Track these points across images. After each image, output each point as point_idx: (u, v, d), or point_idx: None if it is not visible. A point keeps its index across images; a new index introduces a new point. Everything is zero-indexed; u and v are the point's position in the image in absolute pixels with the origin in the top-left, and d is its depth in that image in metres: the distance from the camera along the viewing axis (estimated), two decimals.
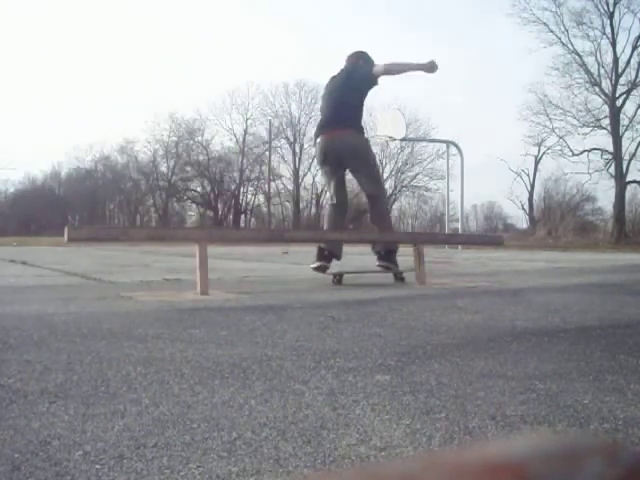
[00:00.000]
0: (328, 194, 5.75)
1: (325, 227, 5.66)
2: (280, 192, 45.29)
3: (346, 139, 5.37)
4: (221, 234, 5.65)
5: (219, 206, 46.74)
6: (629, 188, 28.98)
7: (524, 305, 3.79)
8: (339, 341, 2.53)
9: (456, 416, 1.54)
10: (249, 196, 47.07)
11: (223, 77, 69.42)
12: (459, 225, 19.71)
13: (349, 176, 5.77)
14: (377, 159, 5.29)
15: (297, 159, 44.25)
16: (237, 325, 2.90)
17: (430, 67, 5.47)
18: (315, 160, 5.65)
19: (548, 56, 31.29)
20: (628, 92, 27.94)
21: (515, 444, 0.25)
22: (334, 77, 5.66)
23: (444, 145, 20.91)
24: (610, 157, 28.35)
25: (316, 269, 5.44)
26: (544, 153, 34.20)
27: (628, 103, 28.32)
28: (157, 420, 1.48)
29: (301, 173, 44.58)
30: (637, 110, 28.32)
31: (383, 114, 19.33)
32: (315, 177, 44.85)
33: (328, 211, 5.77)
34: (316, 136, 5.58)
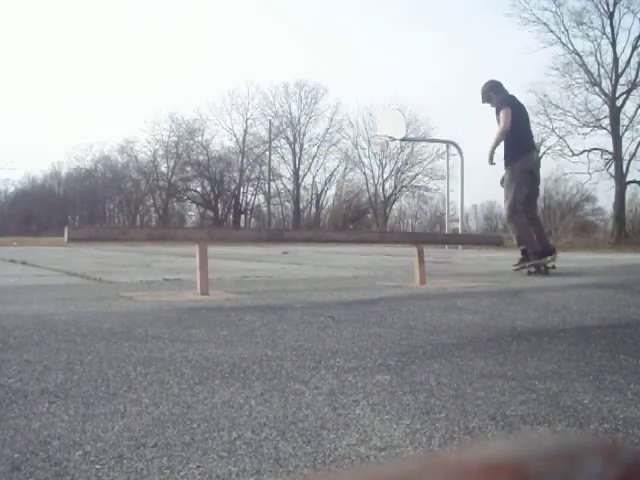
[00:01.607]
0: (516, 201, 6.30)
1: (525, 235, 6.30)
2: (280, 192, 45.31)
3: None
4: (221, 234, 5.66)
5: (219, 206, 46.73)
6: (629, 188, 28.98)
7: (524, 305, 3.79)
8: (339, 341, 2.53)
9: (456, 416, 1.54)
10: (249, 196, 47.09)
11: (223, 77, 69.49)
12: (459, 225, 19.70)
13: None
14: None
15: (297, 159, 44.25)
16: (237, 325, 2.90)
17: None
18: (521, 175, 6.39)
19: (548, 56, 31.27)
20: (628, 92, 27.94)
21: (515, 444, 0.25)
22: (519, 102, 6.67)
23: (444, 145, 20.88)
24: (610, 157, 28.34)
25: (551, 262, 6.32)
26: (544, 153, 34.10)
27: (628, 103, 28.32)
28: (157, 420, 1.48)
29: (301, 173, 44.59)
30: (637, 110, 28.31)
31: (383, 114, 19.34)
32: (315, 177, 44.96)
33: (521, 221, 6.36)
34: (532, 149, 6.73)
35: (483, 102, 6.69)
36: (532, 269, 6.21)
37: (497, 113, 6.41)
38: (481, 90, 6.69)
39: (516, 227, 6.31)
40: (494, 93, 6.56)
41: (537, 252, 6.22)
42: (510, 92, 6.63)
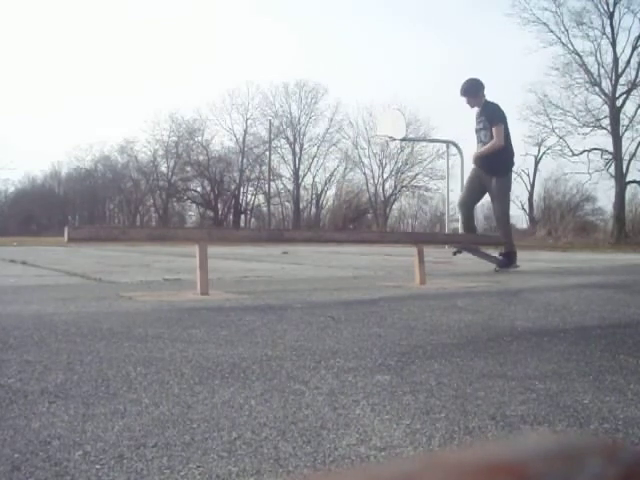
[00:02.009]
0: (508, 211, 7.06)
1: (511, 239, 6.98)
2: (280, 192, 45.30)
3: None
4: (221, 234, 5.65)
5: (219, 206, 46.72)
6: (629, 188, 28.98)
7: (524, 305, 3.79)
8: (339, 341, 2.53)
9: (456, 416, 1.54)
10: (249, 196, 47.09)
11: (223, 77, 69.48)
12: (459, 225, 19.70)
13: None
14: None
15: (297, 159, 44.25)
16: (237, 325, 2.90)
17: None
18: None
19: (548, 56, 31.34)
20: (628, 92, 27.94)
21: (515, 444, 0.25)
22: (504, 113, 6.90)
23: (444, 145, 20.86)
24: (610, 157, 28.35)
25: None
26: (544, 153, 34.17)
27: (628, 103, 28.33)
28: (157, 420, 1.48)
29: (301, 173, 44.59)
30: (637, 110, 28.33)
31: (383, 114, 19.35)
32: (315, 177, 44.95)
33: (510, 228, 7.32)
34: (513, 166, 7.15)
35: (463, 95, 6.75)
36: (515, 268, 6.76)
37: (488, 120, 6.63)
38: (469, 84, 6.75)
39: (507, 233, 6.89)
40: (482, 94, 6.74)
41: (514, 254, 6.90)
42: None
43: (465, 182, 6.91)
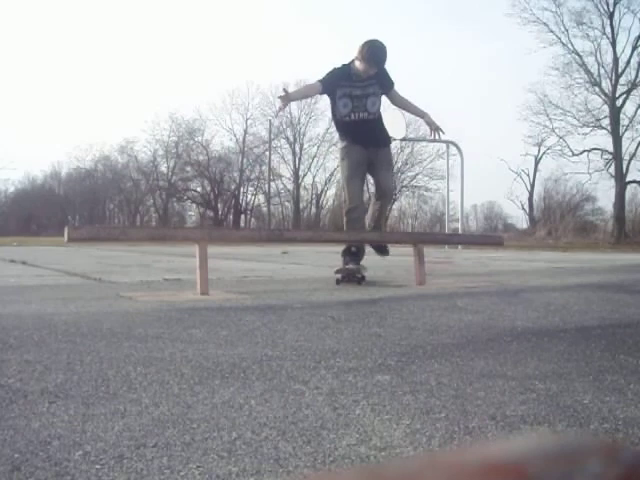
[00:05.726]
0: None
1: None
2: (280, 192, 45.31)
3: None
4: (221, 234, 5.66)
5: (219, 206, 46.74)
6: (629, 188, 29.02)
7: (524, 305, 3.79)
8: (339, 341, 2.53)
9: (456, 416, 1.54)
10: (249, 196, 47.11)
11: (223, 77, 69.51)
12: (459, 225, 19.70)
13: None
14: (342, 171, 5.51)
15: (297, 159, 44.26)
16: (237, 325, 2.90)
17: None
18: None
19: (548, 56, 31.42)
20: (628, 92, 27.97)
21: (515, 444, 0.25)
22: None
23: (444, 145, 20.87)
24: (610, 157, 28.38)
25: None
26: (544, 153, 34.22)
27: (628, 103, 28.38)
28: (157, 420, 1.48)
29: (301, 173, 44.59)
30: (637, 110, 28.38)
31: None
32: (315, 177, 44.93)
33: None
34: None
35: (383, 62, 5.34)
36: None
37: (389, 84, 5.51)
38: (384, 52, 5.31)
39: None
40: None
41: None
42: None
43: (352, 170, 5.30)
